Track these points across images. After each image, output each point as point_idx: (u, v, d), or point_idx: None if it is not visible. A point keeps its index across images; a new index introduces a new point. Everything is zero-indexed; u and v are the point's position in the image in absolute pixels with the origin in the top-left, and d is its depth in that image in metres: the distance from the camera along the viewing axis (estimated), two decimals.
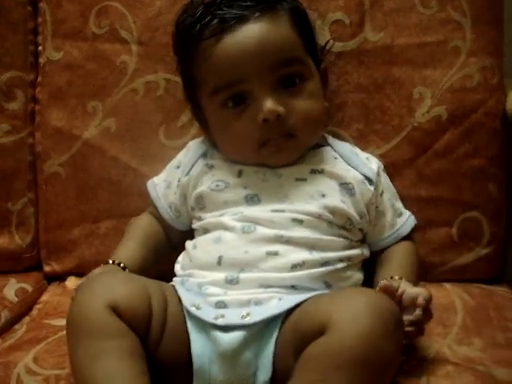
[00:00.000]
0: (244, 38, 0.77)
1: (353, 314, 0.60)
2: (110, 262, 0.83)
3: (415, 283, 0.79)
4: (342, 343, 0.58)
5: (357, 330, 0.59)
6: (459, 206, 0.92)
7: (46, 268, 1.01)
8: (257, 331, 0.70)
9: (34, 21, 1.01)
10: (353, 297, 0.63)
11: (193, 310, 0.72)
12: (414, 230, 0.88)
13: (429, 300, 0.69)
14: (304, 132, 0.80)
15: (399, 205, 0.88)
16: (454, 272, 0.92)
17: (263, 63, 0.77)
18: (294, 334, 0.66)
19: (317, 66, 0.84)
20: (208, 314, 0.71)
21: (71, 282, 0.99)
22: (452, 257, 0.92)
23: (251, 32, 0.77)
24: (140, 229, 0.90)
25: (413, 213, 0.89)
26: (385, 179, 0.87)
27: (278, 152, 0.80)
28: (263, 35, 0.77)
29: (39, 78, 1.01)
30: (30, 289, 0.98)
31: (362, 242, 0.84)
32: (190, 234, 0.87)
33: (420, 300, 0.69)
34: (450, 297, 0.87)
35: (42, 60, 1.00)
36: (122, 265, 0.83)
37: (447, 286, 0.91)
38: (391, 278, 0.77)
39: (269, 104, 0.77)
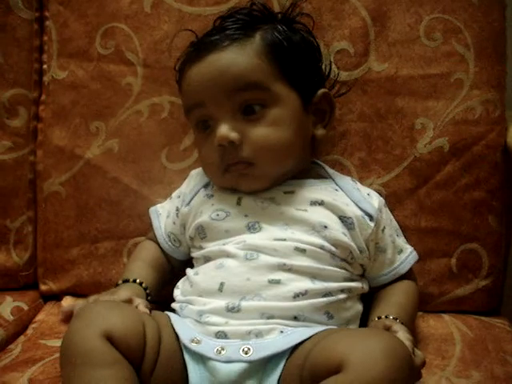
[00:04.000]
0: (205, 65, 0.80)
1: (370, 357, 0.60)
2: (130, 280, 0.83)
3: (410, 325, 0.79)
4: (359, 383, 0.58)
5: (373, 373, 0.59)
6: (459, 237, 0.92)
7: (43, 287, 1.01)
8: (259, 364, 0.69)
9: (40, 39, 1.01)
10: (370, 339, 0.63)
11: (193, 345, 0.72)
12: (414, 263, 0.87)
13: (423, 363, 0.69)
14: (263, 161, 0.79)
15: (400, 241, 0.87)
16: (452, 303, 0.93)
17: (219, 89, 0.78)
18: (303, 367, 0.65)
19: (307, 93, 0.83)
20: (208, 348, 0.71)
21: (67, 302, 0.98)
22: (451, 288, 0.92)
23: (212, 60, 0.80)
24: (148, 251, 0.90)
25: (412, 243, 0.89)
26: (386, 215, 0.87)
27: (240, 178, 0.81)
28: (222, 63, 0.79)
29: (43, 97, 1.01)
30: (25, 307, 0.97)
31: (362, 276, 0.84)
32: (190, 262, 0.87)
33: (418, 362, 0.68)
34: (449, 328, 0.88)
35: (46, 78, 1.00)
36: (143, 284, 0.83)
37: (445, 316, 0.91)
38: (386, 317, 0.78)
39: (222, 129, 0.78)
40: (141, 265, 0.87)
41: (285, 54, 0.81)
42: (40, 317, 0.96)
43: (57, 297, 1.00)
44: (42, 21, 1.01)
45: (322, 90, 0.85)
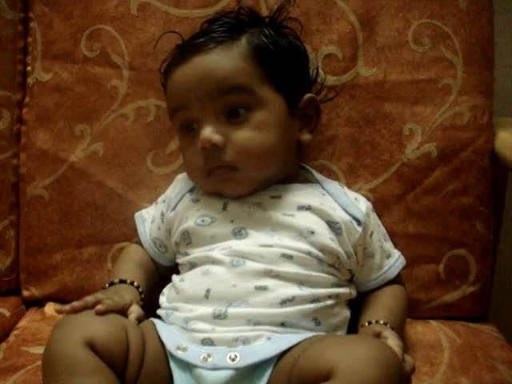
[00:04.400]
0: (190, 67, 0.79)
1: (360, 364, 0.59)
2: (116, 281, 0.81)
3: (400, 330, 0.79)
4: None
5: (364, 378, 0.58)
6: (447, 243, 0.92)
7: (25, 292, 0.99)
8: (246, 371, 0.68)
9: (24, 40, 1.00)
10: (360, 346, 0.62)
11: (178, 353, 0.70)
12: (402, 268, 0.87)
13: (413, 369, 0.69)
14: (247, 165, 0.79)
15: (388, 245, 0.87)
16: (440, 309, 0.92)
17: (202, 91, 0.78)
18: (290, 373, 0.64)
19: (293, 97, 0.82)
20: (194, 355, 0.70)
21: (50, 308, 0.96)
22: (438, 294, 0.92)
23: (197, 62, 0.79)
24: (137, 255, 0.89)
25: (400, 249, 0.88)
26: (374, 220, 0.86)
27: (224, 182, 0.80)
28: (206, 65, 0.78)
29: (27, 99, 0.99)
30: (7, 313, 0.95)
31: (350, 281, 0.84)
32: (176, 269, 0.86)
33: (407, 368, 0.68)
34: (437, 334, 0.87)
35: (30, 80, 0.98)
36: (140, 289, 0.81)
37: (433, 323, 0.91)
38: (376, 321, 0.77)
39: (205, 132, 0.77)
40: (133, 267, 0.85)
41: (271, 58, 0.80)
42: (22, 323, 0.94)
43: (39, 303, 0.99)
44: (27, 22, 1.00)
45: (308, 95, 0.84)
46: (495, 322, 0.93)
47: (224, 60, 0.78)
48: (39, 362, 0.78)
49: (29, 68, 0.99)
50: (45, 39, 0.97)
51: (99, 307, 0.70)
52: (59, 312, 0.73)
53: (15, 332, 0.92)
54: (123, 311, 0.74)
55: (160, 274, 0.89)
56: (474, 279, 0.92)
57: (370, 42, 0.93)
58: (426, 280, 0.92)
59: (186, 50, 0.81)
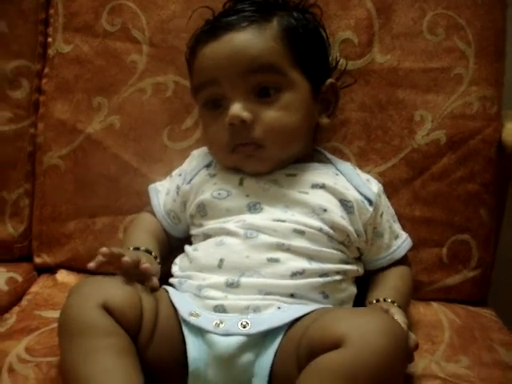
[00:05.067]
0: (222, 44, 0.81)
1: (369, 333, 0.61)
2: (132, 248, 0.83)
3: (405, 308, 0.81)
4: (358, 358, 0.60)
5: (373, 347, 0.60)
6: (451, 228, 0.94)
7: (37, 259, 1.01)
8: (257, 338, 0.70)
9: (46, 12, 1.01)
10: (369, 317, 0.65)
11: (191, 319, 0.72)
12: (408, 250, 0.90)
13: (416, 346, 0.71)
14: (272, 143, 0.81)
15: (396, 226, 0.89)
16: (441, 292, 0.95)
17: (234, 68, 0.80)
18: (299, 342, 0.67)
19: (316, 81, 0.85)
20: (207, 321, 0.72)
21: (62, 275, 0.99)
22: (440, 277, 0.95)
23: (230, 39, 0.81)
24: (151, 224, 0.91)
25: (406, 232, 0.90)
26: (384, 201, 0.89)
27: (247, 159, 0.82)
28: (240, 43, 0.80)
29: (46, 70, 1.01)
30: (19, 279, 0.97)
31: (358, 259, 0.86)
32: (186, 240, 0.88)
33: (411, 344, 0.70)
34: (438, 315, 0.90)
35: (50, 52, 1.00)
36: (153, 254, 0.83)
37: (434, 304, 0.93)
38: (384, 300, 0.80)
39: (235, 108, 0.79)
40: (148, 236, 0.87)
41: (300, 41, 0.83)
42: (34, 289, 0.96)
43: (51, 270, 1.01)
44: None
45: (329, 80, 0.87)
46: (494, 307, 0.96)
47: (256, 39, 0.80)
48: (52, 325, 0.82)
49: (50, 39, 1.01)
50: (67, 11, 0.99)
51: (126, 258, 0.73)
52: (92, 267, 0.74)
53: (27, 297, 0.94)
54: (146, 273, 0.76)
55: (170, 244, 0.92)
56: (475, 264, 0.95)
57: (386, 30, 0.95)
58: (430, 263, 0.94)
59: (218, 26, 0.82)
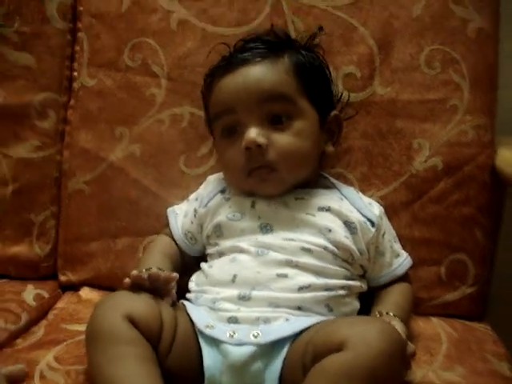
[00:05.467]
0: (239, 75, 0.89)
1: (369, 337, 0.68)
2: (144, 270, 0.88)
3: (406, 322, 0.88)
4: (359, 361, 0.66)
5: (372, 351, 0.67)
6: (448, 248, 1.00)
7: (62, 277, 1.08)
8: (266, 347, 0.77)
9: (72, 48, 1.09)
10: (370, 324, 0.72)
11: (207, 330, 0.79)
12: (409, 268, 0.96)
13: (413, 354, 0.78)
14: (285, 166, 0.88)
15: (397, 246, 0.96)
16: (440, 307, 1.01)
17: (251, 97, 0.87)
18: (305, 350, 0.73)
19: (323, 112, 0.93)
20: (221, 332, 0.78)
21: (85, 292, 1.05)
22: (439, 293, 1.01)
23: (247, 72, 0.89)
24: (165, 245, 0.98)
25: (406, 251, 0.97)
26: (386, 222, 0.96)
27: (262, 182, 0.89)
28: (254, 75, 0.89)
29: (72, 101, 1.09)
30: (46, 295, 1.04)
31: (362, 277, 0.93)
32: (201, 260, 0.95)
33: (409, 351, 0.77)
34: (436, 329, 0.96)
35: (76, 85, 1.08)
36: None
37: (433, 319, 0.99)
38: (386, 313, 0.86)
39: (251, 133, 0.87)
40: (161, 257, 0.94)
41: (308, 75, 0.91)
42: (60, 305, 1.03)
43: (74, 287, 1.07)
44: (75, 32, 1.09)
45: (334, 112, 0.95)
46: (491, 323, 1.01)
47: (270, 72, 0.89)
48: (78, 338, 0.89)
49: (75, 73, 1.08)
50: (91, 48, 1.08)
51: (153, 272, 0.82)
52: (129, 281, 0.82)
53: (54, 312, 1.01)
54: (167, 283, 0.83)
55: (185, 263, 0.98)
56: (472, 282, 1.00)
57: (386, 64, 1.02)
58: (429, 281, 1.00)
59: (234, 62, 0.91)
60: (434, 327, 0.97)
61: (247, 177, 0.89)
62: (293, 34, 1.01)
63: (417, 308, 0.99)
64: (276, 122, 0.88)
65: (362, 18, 1.02)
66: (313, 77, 0.92)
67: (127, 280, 0.81)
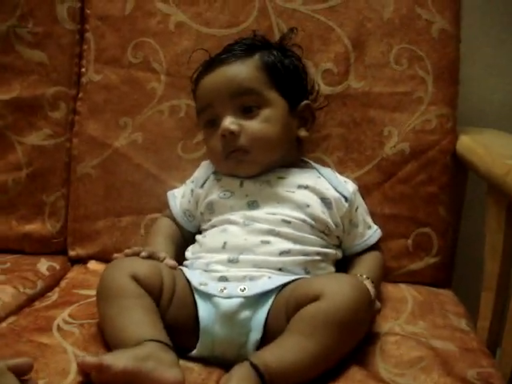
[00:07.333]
0: (216, 75, 1.02)
1: (341, 288, 0.82)
2: None
3: (377, 284, 0.99)
4: (332, 307, 0.80)
5: (343, 299, 0.80)
6: (415, 222, 1.12)
7: (71, 252, 1.19)
8: (252, 300, 0.89)
9: (80, 47, 1.19)
10: (343, 278, 0.87)
11: (201, 287, 0.91)
12: (380, 240, 1.08)
13: (379, 310, 0.92)
14: (256, 149, 0.99)
15: (369, 219, 1.08)
16: (407, 275, 1.13)
17: (225, 93, 1.00)
18: (287, 302, 0.85)
19: (293, 101, 1.05)
20: (213, 288, 0.90)
21: (92, 265, 1.17)
22: (406, 263, 1.13)
23: (223, 71, 1.02)
24: (165, 228, 1.09)
25: (378, 226, 1.09)
26: (359, 198, 1.07)
27: (238, 164, 1.01)
28: (229, 73, 1.01)
29: (80, 94, 1.19)
30: (57, 267, 1.15)
31: (338, 246, 1.04)
32: (197, 234, 1.06)
33: (376, 306, 0.90)
34: (403, 293, 1.08)
35: (84, 80, 1.19)
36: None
37: (401, 285, 1.11)
38: (360, 275, 0.97)
39: (225, 122, 0.99)
40: (163, 240, 1.05)
41: (276, 71, 1.04)
42: (70, 275, 1.14)
43: (82, 261, 1.19)
44: (83, 32, 1.19)
45: (305, 102, 1.07)
46: (453, 289, 1.14)
47: (241, 70, 1.02)
48: (88, 300, 0.99)
49: (83, 69, 1.19)
50: (97, 47, 1.18)
51: (143, 253, 0.93)
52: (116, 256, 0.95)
53: (65, 280, 1.12)
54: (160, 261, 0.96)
55: (185, 238, 1.10)
56: (435, 252, 1.12)
57: (360, 61, 1.14)
58: (397, 252, 1.12)
59: (213, 64, 1.04)
60: (401, 291, 1.08)
61: (225, 160, 1.02)
62: (277, 35, 1.13)
63: (387, 276, 1.10)
64: (247, 111, 1.01)
65: (339, 21, 1.14)
66: (281, 72, 1.04)
67: (128, 251, 0.94)
